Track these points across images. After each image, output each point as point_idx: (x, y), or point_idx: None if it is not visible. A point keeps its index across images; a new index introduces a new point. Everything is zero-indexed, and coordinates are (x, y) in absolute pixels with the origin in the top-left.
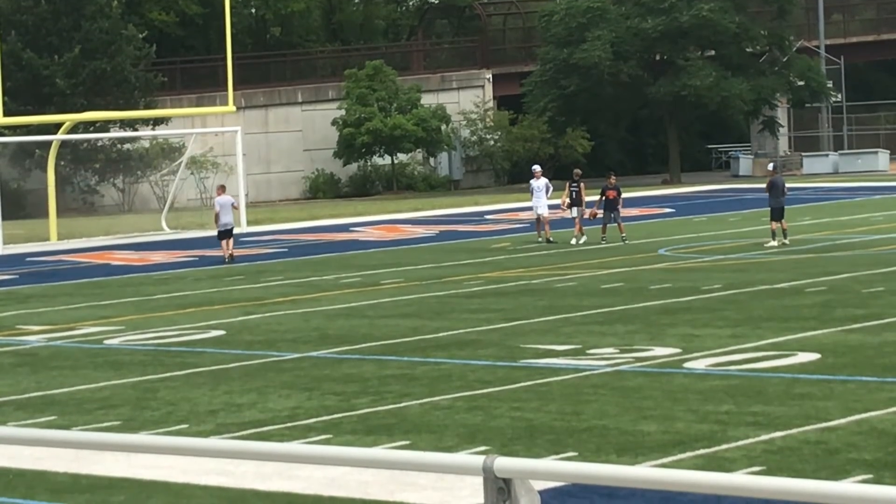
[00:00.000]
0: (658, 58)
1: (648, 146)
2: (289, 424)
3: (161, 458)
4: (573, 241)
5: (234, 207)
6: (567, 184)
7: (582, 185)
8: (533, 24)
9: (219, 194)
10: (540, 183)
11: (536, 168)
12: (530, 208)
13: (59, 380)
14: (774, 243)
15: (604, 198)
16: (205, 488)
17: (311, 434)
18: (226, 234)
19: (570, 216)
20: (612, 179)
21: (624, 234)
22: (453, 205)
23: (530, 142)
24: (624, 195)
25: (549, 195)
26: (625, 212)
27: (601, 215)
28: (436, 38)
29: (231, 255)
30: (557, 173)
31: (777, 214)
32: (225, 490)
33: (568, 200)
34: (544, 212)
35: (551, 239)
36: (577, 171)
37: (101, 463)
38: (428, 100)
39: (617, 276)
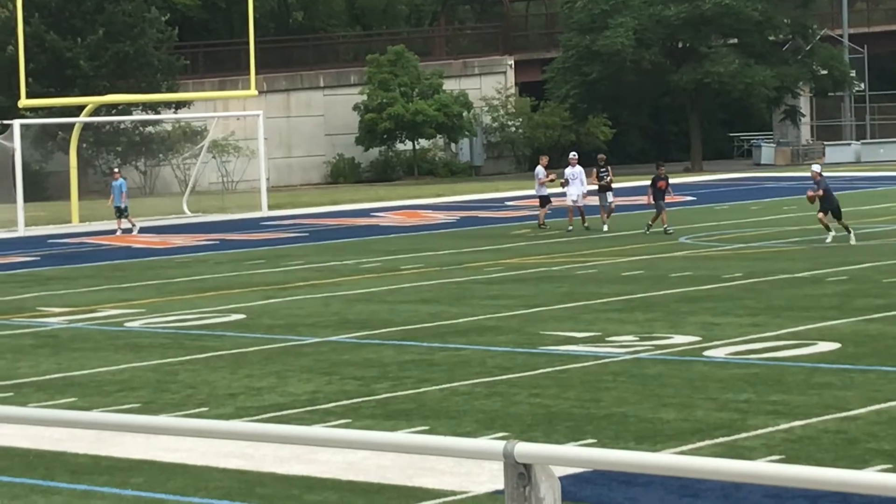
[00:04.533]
0: (680, 45)
1: (670, 134)
2: (308, 408)
3: (181, 440)
4: (605, 228)
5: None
6: (594, 169)
7: (610, 169)
8: (556, 10)
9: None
10: (576, 170)
11: (573, 155)
12: (551, 195)
13: (79, 362)
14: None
15: (654, 187)
16: (224, 471)
17: (331, 418)
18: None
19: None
20: (662, 170)
21: (667, 225)
22: (474, 191)
23: (552, 129)
24: (645, 182)
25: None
26: (644, 199)
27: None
28: (458, 23)
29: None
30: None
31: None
32: (244, 473)
33: (596, 185)
34: (580, 199)
35: (588, 226)
36: (602, 156)
37: (121, 445)
38: (450, 86)
39: (637, 264)
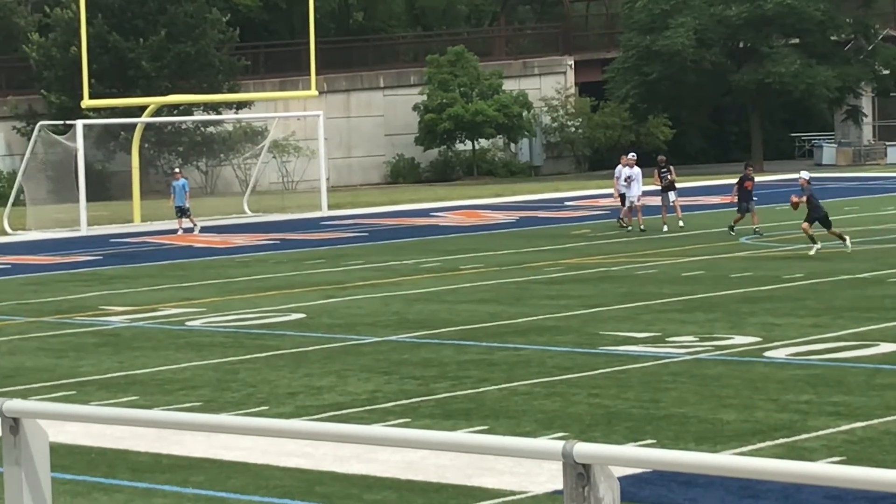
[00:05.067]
0: (741, 45)
1: (731, 134)
2: (367, 408)
3: (241, 439)
4: (665, 228)
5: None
6: (656, 170)
7: (672, 169)
8: (616, 10)
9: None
10: (635, 171)
11: (633, 155)
12: (611, 195)
13: (141, 360)
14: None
15: (740, 186)
16: (284, 469)
17: (390, 418)
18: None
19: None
20: (750, 170)
21: (757, 226)
22: (533, 191)
23: (611, 129)
24: (705, 183)
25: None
26: (705, 199)
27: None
28: (518, 23)
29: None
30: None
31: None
32: (304, 472)
33: (660, 186)
34: (637, 200)
35: (643, 227)
36: (662, 157)
37: (182, 443)
38: (509, 86)
39: (698, 264)
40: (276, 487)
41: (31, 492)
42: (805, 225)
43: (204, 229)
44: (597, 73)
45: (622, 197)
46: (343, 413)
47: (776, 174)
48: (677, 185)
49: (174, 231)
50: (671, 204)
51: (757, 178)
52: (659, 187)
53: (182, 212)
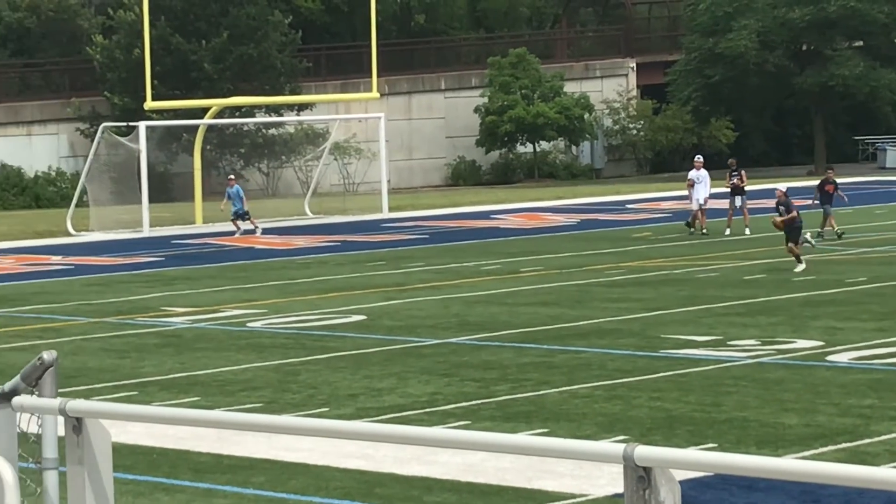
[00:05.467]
0: (805, 48)
1: (794, 137)
2: (428, 410)
3: (302, 440)
4: (727, 233)
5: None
6: (727, 173)
7: (743, 173)
8: (678, 12)
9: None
10: (701, 174)
11: (699, 158)
12: (672, 198)
13: (202, 361)
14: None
15: (821, 190)
16: (344, 471)
17: (450, 420)
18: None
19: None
20: (831, 173)
21: (838, 229)
22: (595, 193)
23: (673, 131)
24: (767, 186)
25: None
26: (767, 203)
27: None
28: (580, 26)
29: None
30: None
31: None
32: (364, 473)
33: (736, 183)
34: (703, 202)
35: (706, 231)
36: (733, 160)
37: (243, 444)
38: (571, 88)
39: (759, 268)
40: (337, 489)
41: (94, 491)
42: (791, 246)
43: (265, 231)
44: (659, 76)
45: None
46: (403, 415)
47: (839, 177)
48: (746, 189)
49: (233, 233)
50: (738, 208)
51: (818, 182)
52: (728, 190)
53: (240, 216)
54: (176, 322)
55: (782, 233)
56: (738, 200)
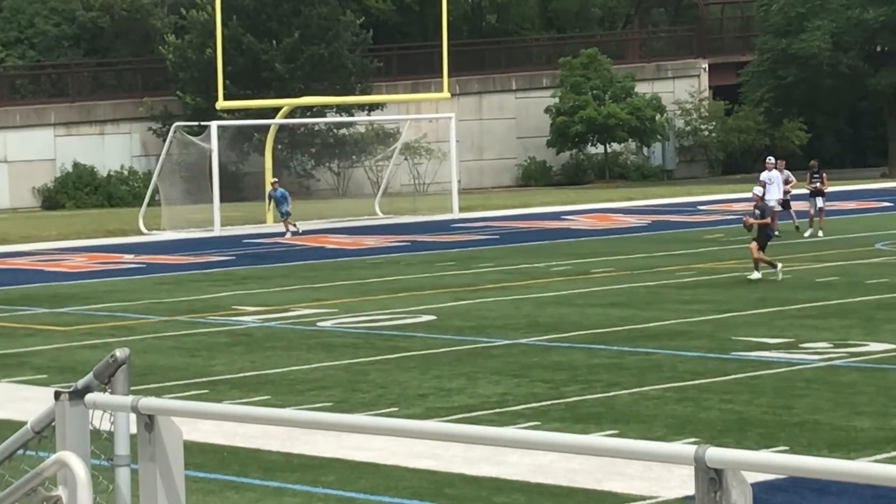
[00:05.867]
0: (879, 49)
1: (867, 138)
2: (497, 410)
3: (371, 439)
4: (807, 234)
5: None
6: (808, 175)
7: (824, 175)
8: (751, 13)
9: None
10: (773, 174)
11: (770, 159)
12: (745, 200)
13: (272, 360)
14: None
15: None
16: (413, 471)
17: (520, 420)
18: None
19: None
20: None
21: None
22: (666, 195)
23: (745, 133)
24: (841, 188)
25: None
26: (840, 205)
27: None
28: (652, 26)
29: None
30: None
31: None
32: (433, 473)
33: (816, 187)
34: (776, 204)
35: (778, 232)
36: (814, 162)
37: (313, 443)
38: (642, 89)
39: (832, 270)
40: (406, 489)
41: (165, 488)
42: (758, 252)
43: (335, 230)
44: (731, 77)
45: (784, 202)
46: (473, 415)
47: None
48: (826, 191)
49: (307, 232)
50: (817, 210)
51: (894, 184)
52: (808, 192)
53: (284, 215)
54: (247, 321)
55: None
56: (818, 202)
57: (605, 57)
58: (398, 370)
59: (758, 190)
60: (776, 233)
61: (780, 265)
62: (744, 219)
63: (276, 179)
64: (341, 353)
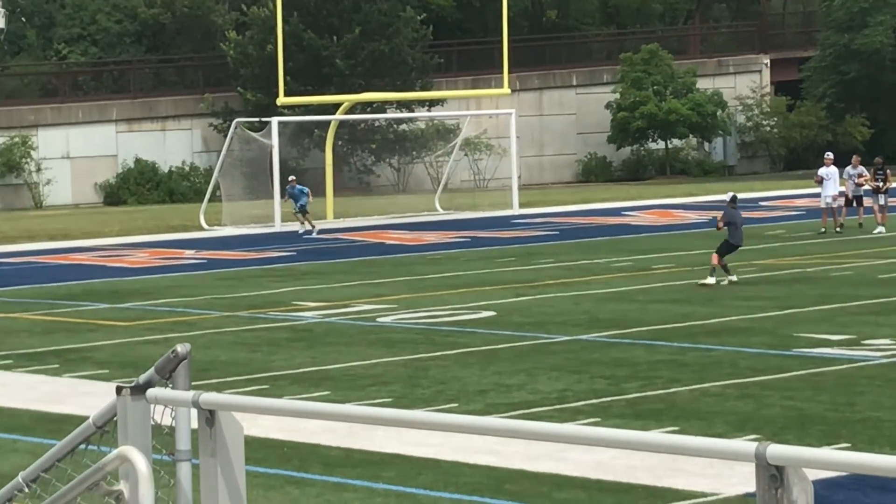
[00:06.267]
0: None
1: None
2: (557, 406)
3: (431, 435)
4: (876, 231)
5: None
6: (872, 170)
7: (888, 172)
8: (813, 8)
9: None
10: (831, 171)
11: (829, 155)
12: (806, 196)
13: (332, 356)
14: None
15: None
16: (474, 467)
17: (580, 417)
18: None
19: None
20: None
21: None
22: (727, 190)
23: (807, 128)
24: None
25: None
26: None
27: None
28: (713, 21)
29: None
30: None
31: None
32: (494, 469)
33: (878, 185)
34: (831, 200)
35: (839, 228)
36: (879, 159)
37: (373, 439)
38: (704, 84)
39: (894, 266)
40: (466, 484)
41: (226, 483)
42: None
43: (396, 226)
44: (793, 72)
45: (856, 198)
46: (533, 411)
47: None
48: (889, 188)
49: (367, 228)
50: (881, 206)
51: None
52: (872, 188)
53: (303, 211)
54: (307, 316)
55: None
56: (881, 199)
57: (666, 52)
58: (458, 366)
59: (729, 194)
60: (837, 229)
61: (733, 275)
62: (718, 222)
63: (294, 178)
64: (401, 349)
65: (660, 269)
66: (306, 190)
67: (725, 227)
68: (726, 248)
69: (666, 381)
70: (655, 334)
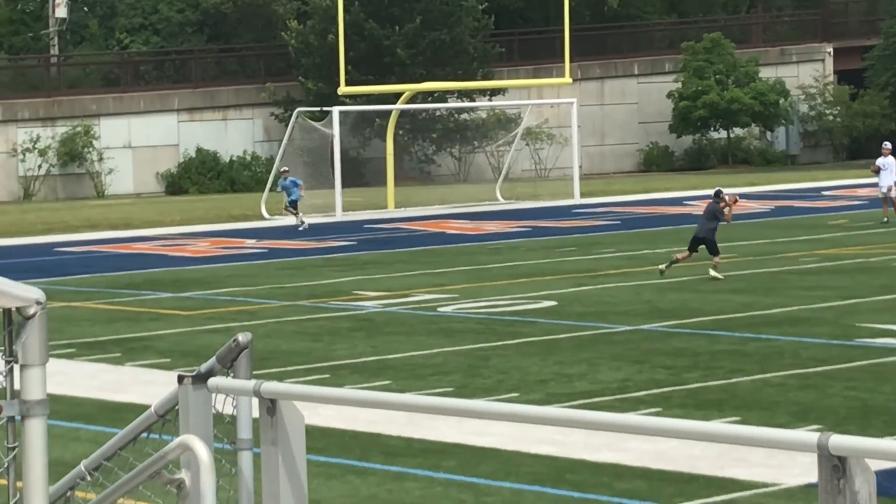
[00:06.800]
0: None
1: None
2: (618, 396)
3: (492, 425)
4: None
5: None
6: None
7: None
8: None
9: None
10: (888, 160)
11: (886, 145)
12: (869, 185)
13: (393, 345)
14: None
15: None
16: (534, 457)
17: (641, 407)
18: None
19: None
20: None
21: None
22: (789, 180)
23: (871, 117)
24: None
25: None
26: None
27: None
28: (776, 10)
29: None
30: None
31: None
32: (554, 459)
33: None
34: (892, 190)
35: (886, 219)
36: None
37: (434, 428)
38: (766, 73)
39: None
40: (527, 474)
41: (287, 472)
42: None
43: (456, 216)
44: (856, 61)
45: None
46: (593, 401)
47: None
48: None
49: (428, 217)
50: None
51: None
52: None
53: (294, 204)
54: (368, 306)
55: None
56: None
57: (729, 41)
58: (519, 356)
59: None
60: (885, 219)
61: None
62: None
63: (287, 169)
64: (462, 339)
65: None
66: (300, 182)
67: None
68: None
69: (727, 371)
70: (717, 324)
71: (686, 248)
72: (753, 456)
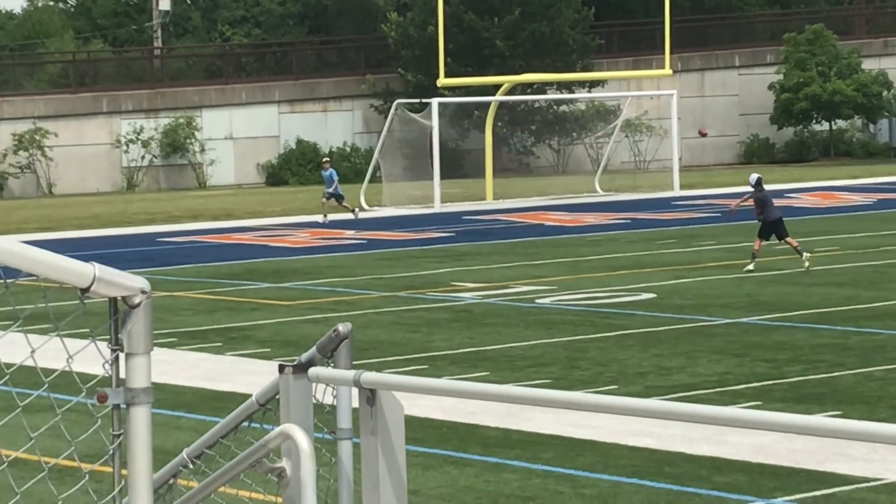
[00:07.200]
0: None
1: None
2: (718, 389)
3: (590, 417)
4: None
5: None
6: None
7: None
8: None
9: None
10: None
11: None
12: None
13: (491, 336)
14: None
15: None
16: (633, 449)
17: (741, 400)
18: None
19: None
20: None
21: None
22: (893, 173)
23: None
24: None
25: None
26: None
27: None
28: (879, 1)
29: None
30: None
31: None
32: (653, 452)
33: None
34: None
35: None
36: None
37: (532, 420)
38: (869, 65)
39: None
40: (625, 466)
41: (386, 462)
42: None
43: (555, 208)
44: None
45: None
46: (693, 394)
47: None
48: None
49: (526, 209)
50: None
51: None
52: None
53: (337, 198)
54: (466, 297)
55: None
56: None
57: (831, 32)
58: (617, 348)
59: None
60: None
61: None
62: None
63: (328, 159)
64: (560, 331)
65: (823, 251)
66: (336, 176)
67: (761, 213)
68: (767, 231)
69: (829, 364)
70: (818, 317)
71: (758, 237)
72: (854, 450)
